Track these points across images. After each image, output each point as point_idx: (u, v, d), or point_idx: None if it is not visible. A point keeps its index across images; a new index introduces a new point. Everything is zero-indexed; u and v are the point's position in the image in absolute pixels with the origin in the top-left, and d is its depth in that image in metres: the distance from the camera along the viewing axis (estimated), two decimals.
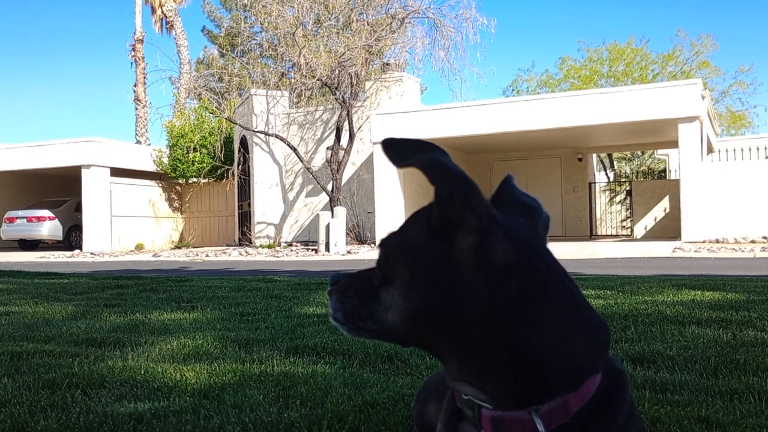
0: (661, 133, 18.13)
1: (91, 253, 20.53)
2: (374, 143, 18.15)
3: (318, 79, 18.65)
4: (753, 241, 14.63)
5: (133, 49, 33.69)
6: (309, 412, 2.31)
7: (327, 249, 16.78)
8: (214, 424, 2.19)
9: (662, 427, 2.10)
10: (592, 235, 21.60)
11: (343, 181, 19.21)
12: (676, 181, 17.40)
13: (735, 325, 4.00)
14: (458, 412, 1.14)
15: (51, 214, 22.75)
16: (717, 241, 14.84)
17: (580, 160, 21.89)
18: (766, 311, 4.48)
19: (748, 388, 2.54)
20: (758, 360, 3.02)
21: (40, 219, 22.58)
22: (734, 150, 23.77)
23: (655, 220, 19.99)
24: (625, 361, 3.12)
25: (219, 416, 2.29)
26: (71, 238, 23.07)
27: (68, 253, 20.46)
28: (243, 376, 2.99)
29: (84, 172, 22.30)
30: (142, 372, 3.15)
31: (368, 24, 18.86)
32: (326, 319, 4.86)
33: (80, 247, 22.11)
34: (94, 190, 22.36)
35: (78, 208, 22.97)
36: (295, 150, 19.19)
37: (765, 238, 14.81)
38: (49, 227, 22.65)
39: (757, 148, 23.02)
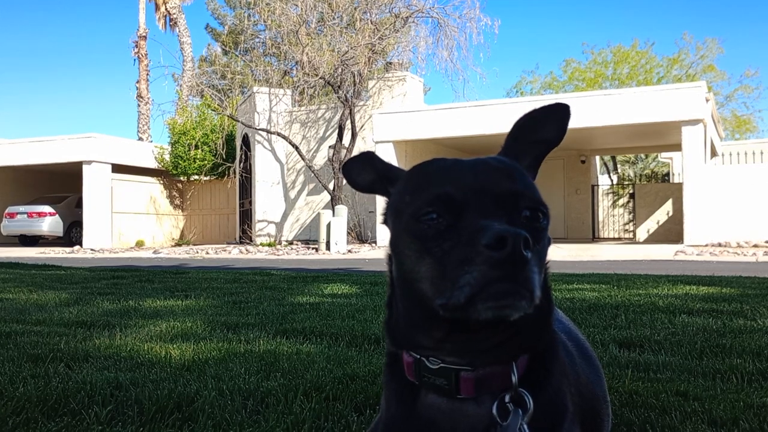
0: (664, 136, 18.09)
1: (92, 249, 20.54)
2: (376, 142, 18.14)
3: (321, 78, 18.65)
4: (756, 246, 14.57)
5: (136, 46, 33.75)
6: (288, 382, 2.30)
7: (328, 248, 16.77)
8: (191, 390, 2.19)
9: (638, 398, 2.09)
10: (594, 238, 21.56)
11: (345, 181, 19.19)
12: (680, 185, 17.35)
13: (726, 315, 3.98)
14: (410, 386, 1.12)
15: (52, 210, 22.76)
16: (719, 245, 14.78)
17: (583, 162, 21.86)
18: (759, 303, 4.46)
19: (731, 369, 2.53)
20: (744, 345, 3.01)
21: (40, 215, 22.59)
22: (738, 154, 23.69)
23: (657, 223, 19.94)
24: (611, 345, 3.11)
25: (197, 383, 2.29)
26: (72, 234, 23.08)
27: (68, 249, 20.46)
28: (228, 353, 2.99)
29: (85, 168, 22.30)
30: (128, 349, 3.15)
31: (372, 23, 18.86)
32: (317, 306, 4.86)
33: (80, 244, 22.10)
34: (95, 186, 22.37)
35: (79, 204, 22.97)
36: (297, 148, 19.19)
37: None
38: (50, 223, 22.66)
39: (761, 152, 22.93)
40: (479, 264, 0.91)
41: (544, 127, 1.12)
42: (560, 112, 1.12)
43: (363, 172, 1.19)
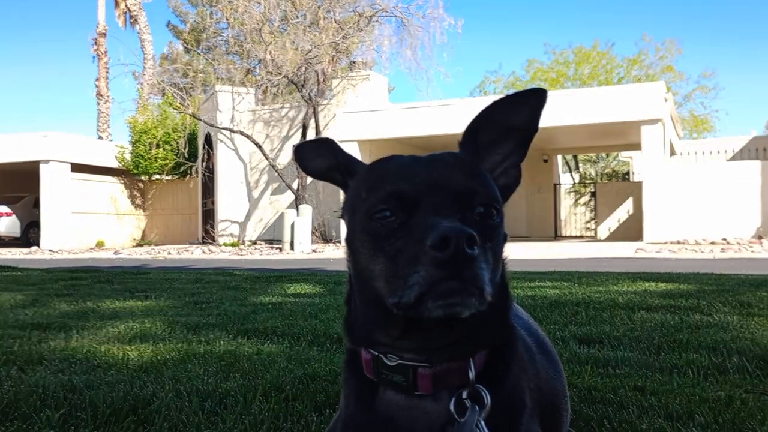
0: (625, 136, 18.36)
1: (50, 250, 20.13)
2: (341, 142, 18.08)
3: (284, 76, 18.55)
4: (713, 243, 14.88)
5: (96, 43, 33.14)
6: (247, 382, 2.27)
7: (292, 248, 16.68)
8: (147, 392, 2.14)
9: (596, 393, 2.10)
10: (556, 236, 21.79)
11: (309, 180, 19.11)
12: (639, 183, 17.62)
13: (683, 311, 4.04)
14: (369, 383, 1.11)
15: (8, 210, 22.25)
16: (678, 242, 15.06)
17: (545, 161, 22.08)
18: (716, 299, 4.54)
19: (687, 364, 2.57)
20: (701, 339, 3.05)
21: None
22: (696, 153, 24.15)
23: (618, 221, 20.24)
24: (571, 341, 3.14)
25: (154, 385, 2.24)
26: (29, 235, 22.60)
27: (26, 250, 20.03)
28: (187, 354, 2.94)
29: (42, 168, 21.80)
30: (84, 351, 3.08)
31: (335, 22, 18.82)
32: (279, 306, 4.82)
33: (38, 244, 21.64)
34: (54, 186, 21.89)
35: (36, 204, 22.46)
36: (260, 147, 19.05)
37: (724, 239, 15.07)
38: (6, 223, 22.16)
39: (718, 152, 23.43)
40: (426, 264, 0.91)
41: (515, 114, 1.08)
42: (534, 98, 1.08)
43: (318, 158, 1.17)
